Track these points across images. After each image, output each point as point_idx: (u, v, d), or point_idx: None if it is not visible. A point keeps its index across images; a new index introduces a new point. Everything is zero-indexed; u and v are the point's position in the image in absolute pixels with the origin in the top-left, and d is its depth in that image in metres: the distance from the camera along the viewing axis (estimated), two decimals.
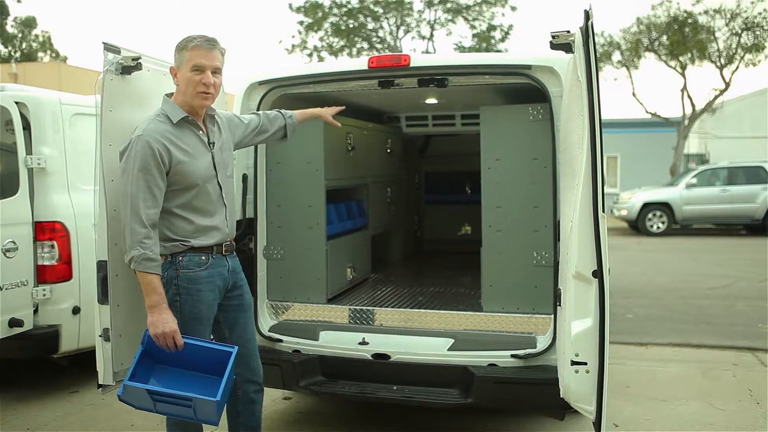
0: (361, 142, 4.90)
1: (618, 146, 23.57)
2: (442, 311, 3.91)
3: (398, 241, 6.18)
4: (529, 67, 3.42)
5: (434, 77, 3.60)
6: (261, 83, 3.80)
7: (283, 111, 3.35)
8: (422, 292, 4.63)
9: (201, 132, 2.83)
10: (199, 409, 2.56)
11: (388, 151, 5.73)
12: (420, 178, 7.14)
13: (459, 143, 6.49)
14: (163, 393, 2.56)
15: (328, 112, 3.53)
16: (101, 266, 2.88)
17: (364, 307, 4.06)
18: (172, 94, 2.85)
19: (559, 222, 3.27)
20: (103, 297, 2.89)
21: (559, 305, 3.10)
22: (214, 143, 2.88)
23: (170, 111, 2.76)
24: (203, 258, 2.78)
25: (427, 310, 3.95)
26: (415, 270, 5.88)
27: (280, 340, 3.72)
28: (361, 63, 3.66)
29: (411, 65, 3.55)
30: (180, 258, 2.74)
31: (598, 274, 2.63)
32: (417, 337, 3.66)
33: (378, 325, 3.91)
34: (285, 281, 4.01)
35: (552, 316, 3.35)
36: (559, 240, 3.25)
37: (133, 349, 2.89)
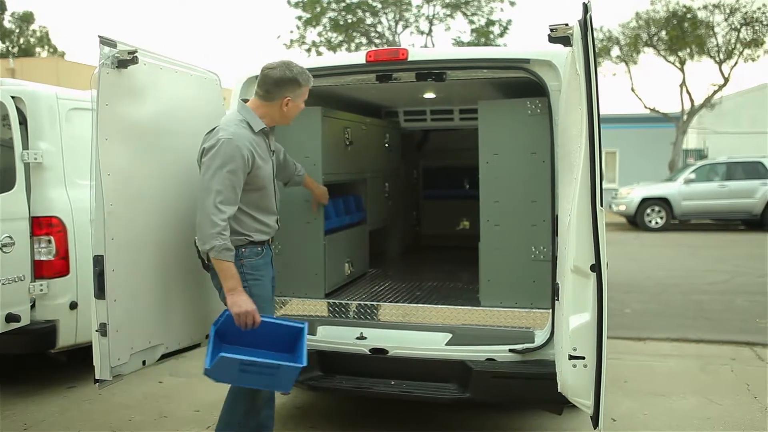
0: (359, 136, 4.90)
1: (617, 142, 23.58)
2: (440, 306, 3.92)
3: (396, 236, 6.17)
4: (527, 61, 3.42)
5: (432, 71, 3.60)
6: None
7: (297, 164, 3.70)
8: (420, 287, 4.65)
9: (268, 141, 3.16)
10: (282, 376, 2.82)
11: (386, 145, 5.73)
12: (418, 172, 7.14)
13: (457, 138, 6.48)
14: (255, 363, 2.79)
15: (320, 192, 3.96)
16: (98, 261, 2.89)
17: (362, 302, 4.06)
18: (247, 100, 3.16)
19: (557, 216, 3.27)
20: (100, 292, 2.89)
21: (557, 300, 3.10)
22: (274, 151, 3.27)
23: (251, 120, 3.05)
24: (260, 249, 3.10)
25: (425, 305, 3.96)
26: (413, 265, 5.89)
27: None
28: (358, 57, 3.66)
29: (409, 59, 3.55)
30: (243, 250, 3.03)
31: (596, 268, 2.64)
32: (415, 332, 3.67)
33: (376, 320, 3.92)
34: (283, 276, 4.01)
35: (550, 310, 3.35)
36: (557, 234, 3.26)
37: (130, 344, 2.89)
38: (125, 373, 3.05)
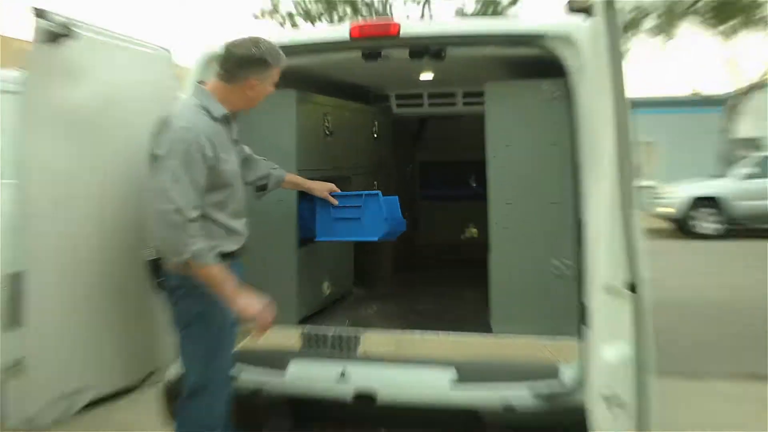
0: (342, 125, 4.93)
1: (655, 130, 23.70)
2: (441, 334, 3.90)
3: (387, 248, 6.15)
4: (542, 35, 3.47)
5: (429, 48, 3.67)
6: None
7: (269, 162, 3.70)
8: (417, 311, 4.65)
9: (230, 129, 3.19)
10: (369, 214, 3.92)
11: (375, 136, 5.77)
12: (414, 168, 7.20)
13: (461, 126, 6.50)
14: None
15: (323, 188, 3.97)
16: (13, 279, 2.89)
17: (344, 331, 4.02)
18: (204, 82, 3.19)
19: (583, 221, 3.28)
20: (13, 319, 2.88)
21: (586, 325, 3.09)
22: (237, 140, 3.28)
23: (210, 104, 3.07)
24: (228, 262, 3.11)
25: (423, 333, 3.94)
26: (408, 283, 5.91)
27: (235, 378, 3.63)
28: (341, 31, 3.73)
29: (401, 34, 3.61)
30: None
31: (633, 286, 2.65)
32: (410, 369, 3.63)
33: (361, 353, 3.88)
34: None
35: (578, 338, 3.32)
36: (584, 243, 3.26)
37: (51, 386, 2.88)
38: (42, 425, 2.99)
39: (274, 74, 3.16)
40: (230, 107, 3.15)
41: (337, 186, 5.11)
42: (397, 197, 4.16)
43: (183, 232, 2.87)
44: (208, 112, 3.06)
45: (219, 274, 2.95)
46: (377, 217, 4.01)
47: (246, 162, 3.57)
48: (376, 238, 4.15)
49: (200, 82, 3.20)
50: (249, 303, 3.01)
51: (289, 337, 4.01)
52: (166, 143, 2.94)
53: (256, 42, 3.10)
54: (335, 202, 4.03)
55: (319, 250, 4.54)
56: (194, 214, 2.91)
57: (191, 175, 2.91)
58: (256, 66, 3.09)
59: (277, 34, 3.66)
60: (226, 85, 3.12)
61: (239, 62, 3.08)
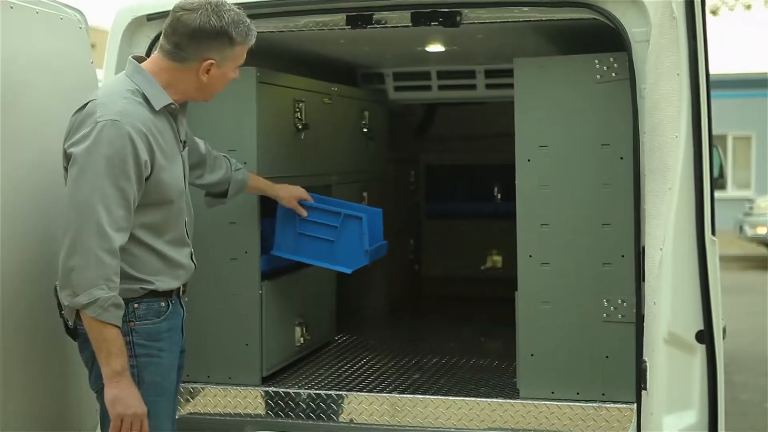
0: (320, 116, 4.92)
1: (753, 120, 23.57)
2: (452, 398, 3.93)
3: (381, 281, 6.18)
4: None
5: (438, 10, 3.65)
6: (152, 18, 3.82)
7: (229, 158, 3.74)
8: (420, 366, 4.65)
9: (176, 126, 3.19)
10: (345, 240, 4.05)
11: (365, 130, 5.77)
12: (418, 175, 7.17)
13: (481, 118, 6.54)
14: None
15: (291, 194, 4.07)
16: None
17: (322, 392, 4.07)
18: (141, 58, 3.17)
19: (644, 249, 3.31)
20: None
21: (645, 389, 3.13)
22: (185, 142, 3.28)
23: (150, 90, 3.06)
24: (162, 305, 3.13)
25: (428, 397, 3.97)
26: (408, 328, 5.92)
27: None
28: None
29: None
30: (135, 306, 3.04)
31: (705, 336, 2.69)
32: None
33: (347, 422, 3.94)
34: (193, 347, 3.98)
35: (635, 406, 3.37)
36: (644, 279, 3.29)
37: None
38: None
39: (240, 54, 3.15)
40: (178, 96, 3.13)
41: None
42: (380, 210, 4.25)
43: (95, 268, 2.83)
44: (145, 100, 3.03)
45: (111, 342, 2.88)
46: (356, 245, 4.10)
47: (202, 163, 3.60)
48: (349, 271, 4.25)
49: (137, 59, 3.15)
50: (124, 397, 2.90)
51: (248, 399, 4.06)
52: (84, 141, 2.89)
53: (217, 7, 3.04)
54: (303, 212, 4.10)
55: (291, 283, 4.58)
56: (120, 240, 2.88)
57: (118, 186, 2.87)
58: (216, 41, 3.05)
59: None
60: (174, 64, 3.08)
61: (193, 34, 3.02)
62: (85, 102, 3.02)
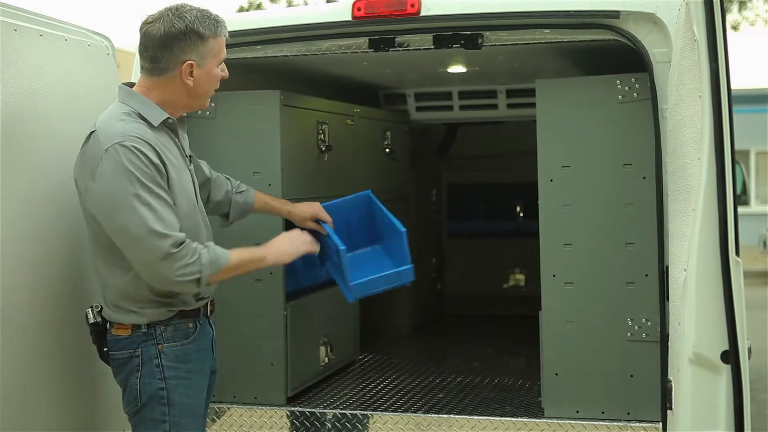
0: (342, 137, 4.97)
1: None
2: (476, 418, 3.94)
3: (404, 300, 6.19)
4: (616, 14, 3.48)
5: (460, 32, 3.68)
6: None
7: (231, 179, 3.74)
8: (444, 385, 4.66)
9: (178, 141, 3.23)
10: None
11: (387, 150, 5.81)
12: (440, 194, 7.20)
13: (502, 137, 6.54)
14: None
15: (304, 214, 3.84)
16: None
17: (348, 411, 4.09)
18: (131, 83, 3.21)
19: (667, 269, 3.31)
20: None
21: (670, 408, 3.11)
22: (191, 156, 3.33)
23: (145, 110, 3.10)
24: (190, 326, 3.19)
25: (453, 416, 3.99)
26: (431, 348, 5.92)
27: None
28: (341, 10, 3.73)
29: (422, 13, 3.63)
30: (163, 328, 3.11)
31: (731, 357, 2.69)
32: None
33: None
34: (219, 367, 3.98)
35: (660, 425, 3.38)
36: (668, 299, 3.29)
37: None
38: None
39: (217, 47, 3.15)
40: (172, 109, 3.17)
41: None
42: (404, 231, 4.08)
43: (178, 255, 2.93)
44: (142, 119, 3.08)
45: (240, 262, 3.18)
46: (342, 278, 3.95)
47: (206, 179, 3.60)
48: (349, 300, 4.07)
49: (127, 84, 3.22)
50: (283, 247, 3.41)
51: (274, 419, 4.07)
52: (96, 172, 2.96)
53: (177, 11, 3.08)
54: (323, 230, 3.87)
55: (315, 303, 4.60)
56: (174, 228, 2.96)
57: (152, 192, 2.94)
58: (186, 41, 3.07)
59: (253, 15, 3.49)
60: (158, 79, 3.12)
61: (162, 43, 3.06)
62: (89, 134, 3.08)
